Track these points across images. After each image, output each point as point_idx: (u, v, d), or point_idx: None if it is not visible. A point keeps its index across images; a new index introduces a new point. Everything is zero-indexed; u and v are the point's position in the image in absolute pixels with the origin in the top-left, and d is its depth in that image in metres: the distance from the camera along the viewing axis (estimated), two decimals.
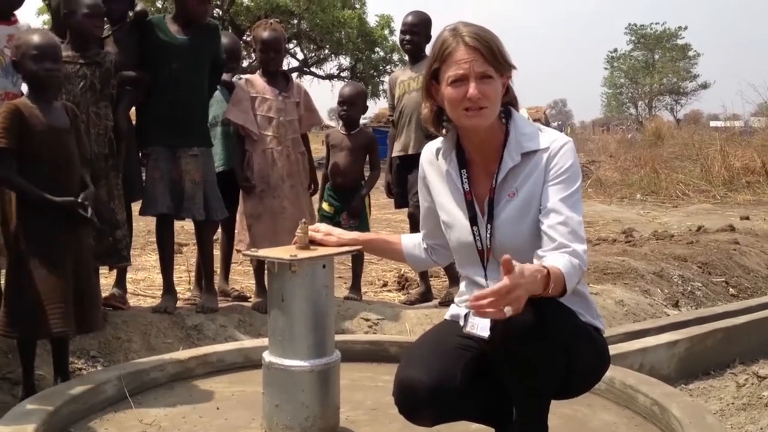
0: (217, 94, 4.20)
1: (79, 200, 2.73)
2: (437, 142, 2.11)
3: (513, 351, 1.78)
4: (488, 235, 1.97)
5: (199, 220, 3.83)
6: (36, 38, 2.75)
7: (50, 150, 2.71)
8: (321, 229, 2.28)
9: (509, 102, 2.03)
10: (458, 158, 2.04)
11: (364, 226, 4.20)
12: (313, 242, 2.23)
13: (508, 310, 1.60)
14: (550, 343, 1.77)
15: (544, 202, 1.90)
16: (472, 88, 1.89)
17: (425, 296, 4.50)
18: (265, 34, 4.04)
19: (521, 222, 1.94)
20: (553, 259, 1.80)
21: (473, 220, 1.99)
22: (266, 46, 4.04)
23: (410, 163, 4.12)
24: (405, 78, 4.38)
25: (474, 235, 1.99)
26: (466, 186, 2.01)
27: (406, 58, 4.60)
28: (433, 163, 2.11)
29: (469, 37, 1.90)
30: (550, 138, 1.97)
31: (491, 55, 1.90)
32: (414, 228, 3.81)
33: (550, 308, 1.77)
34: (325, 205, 4.39)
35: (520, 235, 1.94)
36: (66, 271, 2.68)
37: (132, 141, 3.74)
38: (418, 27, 4.28)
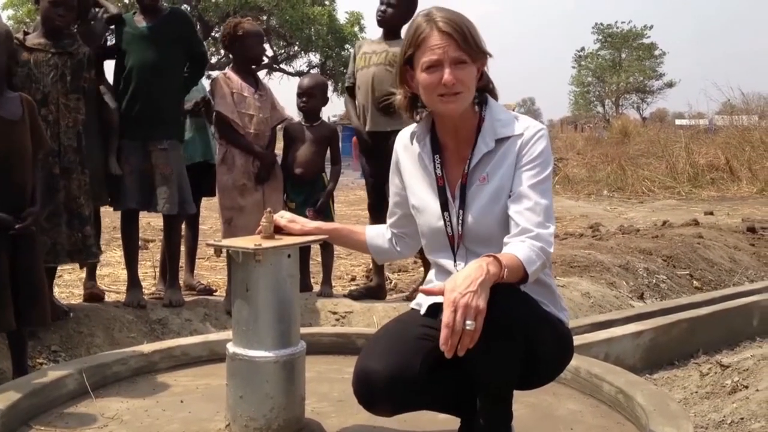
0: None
1: (17, 219, 2.63)
2: (412, 127, 2.10)
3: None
4: (459, 221, 1.96)
5: (171, 214, 3.78)
6: None
7: None
8: (285, 216, 2.26)
9: (485, 88, 2.02)
10: (432, 143, 2.03)
11: (329, 220, 4.18)
12: (278, 230, 2.21)
13: (470, 324, 1.62)
14: (508, 329, 1.76)
15: (514, 188, 1.91)
16: (446, 74, 1.88)
17: (373, 292, 4.27)
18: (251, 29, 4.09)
19: (493, 207, 1.93)
20: (511, 247, 1.81)
21: (444, 206, 1.98)
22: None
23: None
24: (368, 50, 4.10)
25: (444, 220, 1.98)
26: (439, 171, 2.00)
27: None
28: (408, 147, 2.10)
29: (442, 23, 1.89)
30: (524, 125, 1.97)
31: (464, 41, 1.89)
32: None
33: (506, 295, 1.75)
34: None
35: (492, 220, 1.93)
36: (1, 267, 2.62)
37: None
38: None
